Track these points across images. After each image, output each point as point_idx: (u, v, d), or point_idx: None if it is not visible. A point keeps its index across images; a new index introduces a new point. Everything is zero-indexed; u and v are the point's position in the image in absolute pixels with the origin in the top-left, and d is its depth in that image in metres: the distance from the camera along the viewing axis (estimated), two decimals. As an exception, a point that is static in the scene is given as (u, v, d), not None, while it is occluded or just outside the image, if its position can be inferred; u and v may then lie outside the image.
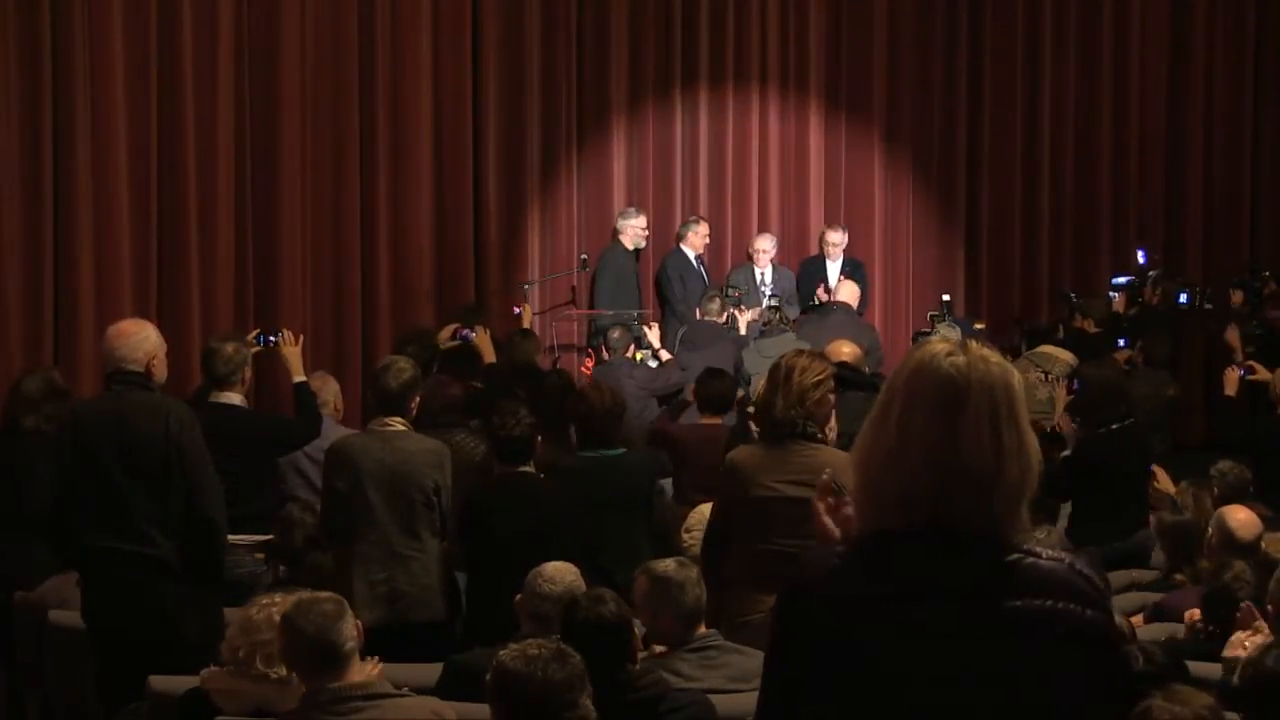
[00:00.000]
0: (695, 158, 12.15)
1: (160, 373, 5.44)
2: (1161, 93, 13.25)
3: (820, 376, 5.37)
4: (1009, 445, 2.19)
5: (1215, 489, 6.92)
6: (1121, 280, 12.00)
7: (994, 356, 2.25)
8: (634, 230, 11.32)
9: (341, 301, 10.86)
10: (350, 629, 3.98)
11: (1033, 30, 13.00)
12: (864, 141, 12.64)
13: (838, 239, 11.79)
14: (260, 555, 6.39)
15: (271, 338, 7.26)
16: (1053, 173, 13.09)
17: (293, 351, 7.06)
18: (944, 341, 2.27)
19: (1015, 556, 2.20)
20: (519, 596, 4.79)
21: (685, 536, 5.98)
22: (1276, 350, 10.02)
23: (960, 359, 2.22)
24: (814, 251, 12.10)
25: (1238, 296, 11.64)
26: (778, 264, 11.78)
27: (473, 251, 11.37)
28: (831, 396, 5.47)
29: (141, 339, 5.42)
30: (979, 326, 11.24)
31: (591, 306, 11.28)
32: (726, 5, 12.11)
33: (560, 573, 4.75)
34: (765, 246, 11.68)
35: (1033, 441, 2.24)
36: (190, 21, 10.17)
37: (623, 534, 6.32)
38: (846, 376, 7.08)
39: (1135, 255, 12.51)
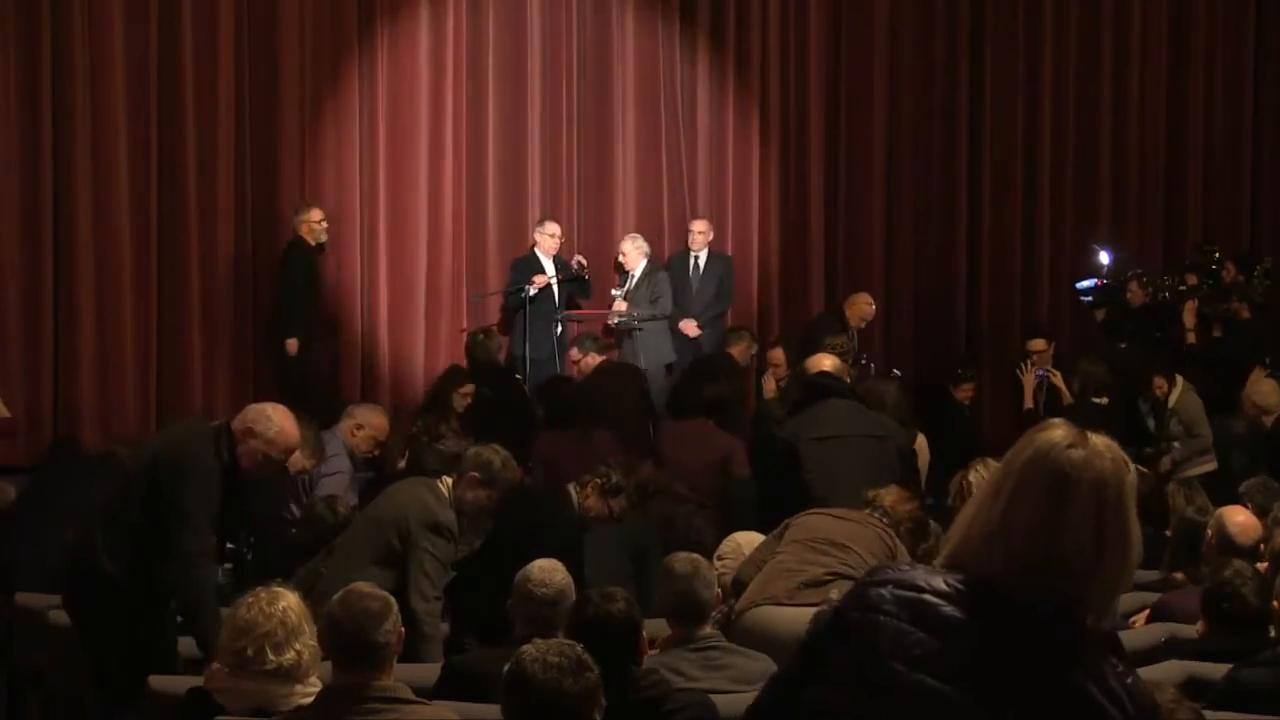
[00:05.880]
0: (693, 160, 12.11)
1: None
2: (1162, 92, 13.23)
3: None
4: (1111, 541, 2.21)
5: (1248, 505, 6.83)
6: (1088, 284, 11.39)
7: (1111, 451, 2.25)
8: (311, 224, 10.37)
9: (341, 301, 10.86)
10: (391, 629, 3.96)
11: (1033, 30, 12.99)
12: (864, 138, 12.62)
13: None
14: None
15: None
16: (1053, 172, 13.07)
17: None
18: (1066, 428, 2.27)
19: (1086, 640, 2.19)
20: (509, 600, 4.72)
21: (718, 564, 5.86)
22: None
23: (1079, 453, 2.23)
24: (810, 245, 12.21)
25: (1192, 278, 11.20)
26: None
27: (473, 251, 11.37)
28: None
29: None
30: (896, 373, 10.49)
31: (279, 307, 10.32)
32: (727, 5, 12.09)
33: (548, 572, 4.67)
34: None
35: (1136, 536, 2.24)
36: (190, 21, 10.18)
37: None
38: (829, 385, 7.12)
39: (1098, 256, 11.72)
